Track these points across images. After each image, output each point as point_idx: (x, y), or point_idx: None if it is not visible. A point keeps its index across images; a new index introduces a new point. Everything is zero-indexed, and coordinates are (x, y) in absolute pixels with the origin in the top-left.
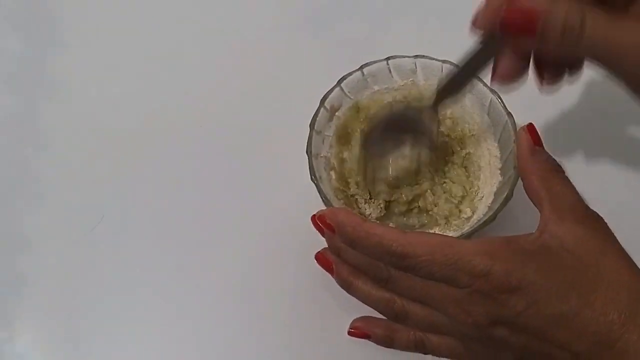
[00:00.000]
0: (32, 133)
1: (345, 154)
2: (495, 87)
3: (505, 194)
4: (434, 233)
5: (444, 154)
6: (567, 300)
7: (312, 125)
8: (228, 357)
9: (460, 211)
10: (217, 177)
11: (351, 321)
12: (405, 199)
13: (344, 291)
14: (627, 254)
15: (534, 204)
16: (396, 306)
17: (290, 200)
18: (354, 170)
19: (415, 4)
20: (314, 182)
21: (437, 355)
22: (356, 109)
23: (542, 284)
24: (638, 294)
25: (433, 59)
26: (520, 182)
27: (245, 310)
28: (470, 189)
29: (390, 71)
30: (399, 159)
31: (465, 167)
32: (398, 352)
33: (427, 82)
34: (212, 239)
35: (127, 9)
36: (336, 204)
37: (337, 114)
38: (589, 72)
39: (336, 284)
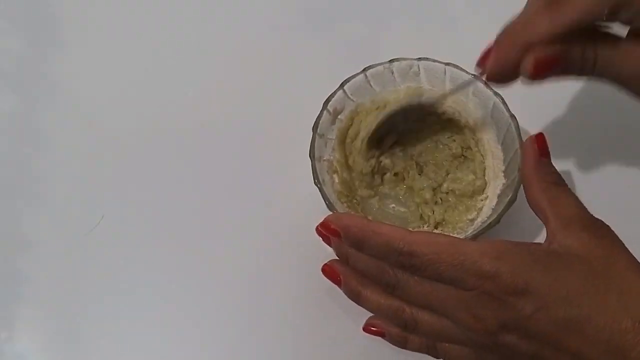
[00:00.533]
0: (32, 133)
1: (349, 159)
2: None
3: (510, 196)
4: (440, 233)
5: (447, 153)
6: (577, 305)
7: (315, 129)
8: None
9: (467, 210)
10: (219, 179)
11: (367, 319)
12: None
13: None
14: (636, 260)
15: (537, 216)
16: (405, 315)
17: (293, 204)
18: (357, 173)
19: (417, 5)
20: (317, 186)
21: None
22: (357, 112)
23: (551, 288)
24: None
25: (436, 61)
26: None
27: (245, 314)
28: (476, 185)
29: (392, 73)
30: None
31: (470, 165)
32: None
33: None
34: (214, 242)
35: (127, 9)
36: (339, 207)
37: (339, 117)
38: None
39: (341, 292)
